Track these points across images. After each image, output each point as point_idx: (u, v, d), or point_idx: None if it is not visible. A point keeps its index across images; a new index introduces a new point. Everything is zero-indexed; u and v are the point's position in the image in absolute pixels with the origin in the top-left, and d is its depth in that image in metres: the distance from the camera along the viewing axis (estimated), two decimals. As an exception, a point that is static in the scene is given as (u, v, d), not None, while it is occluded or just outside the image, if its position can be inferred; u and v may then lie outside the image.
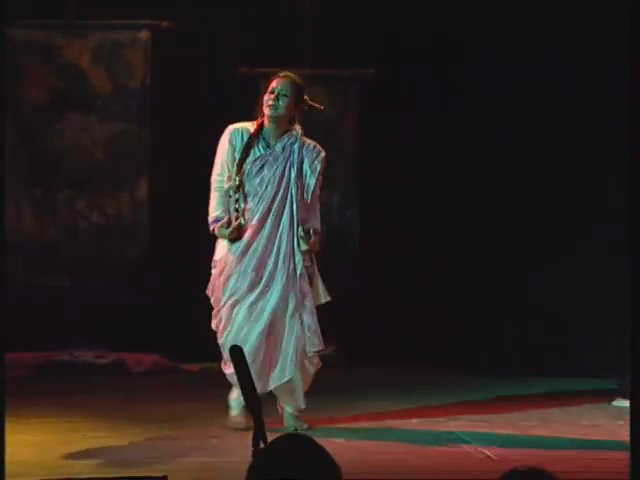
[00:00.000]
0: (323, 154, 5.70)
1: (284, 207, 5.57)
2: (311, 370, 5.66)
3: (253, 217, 5.58)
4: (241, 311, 5.58)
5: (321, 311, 8.13)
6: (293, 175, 5.58)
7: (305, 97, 5.70)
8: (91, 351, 7.94)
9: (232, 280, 5.61)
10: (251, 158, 5.59)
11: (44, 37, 8.07)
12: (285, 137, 5.63)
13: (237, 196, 5.59)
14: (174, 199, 8.09)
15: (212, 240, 8.06)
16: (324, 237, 8.39)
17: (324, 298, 5.73)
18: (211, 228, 5.76)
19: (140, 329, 7.86)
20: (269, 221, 5.57)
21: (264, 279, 5.58)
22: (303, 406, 5.64)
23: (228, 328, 5.63)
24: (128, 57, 8.11)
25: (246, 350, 5.42)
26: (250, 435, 3.02)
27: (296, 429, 5.41)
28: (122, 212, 8.20)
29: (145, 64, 8.09)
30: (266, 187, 5.57)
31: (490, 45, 7.62)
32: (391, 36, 7.98)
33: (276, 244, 5.58)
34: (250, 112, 8.18)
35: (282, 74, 5.65)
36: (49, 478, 3.98)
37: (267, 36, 7.97)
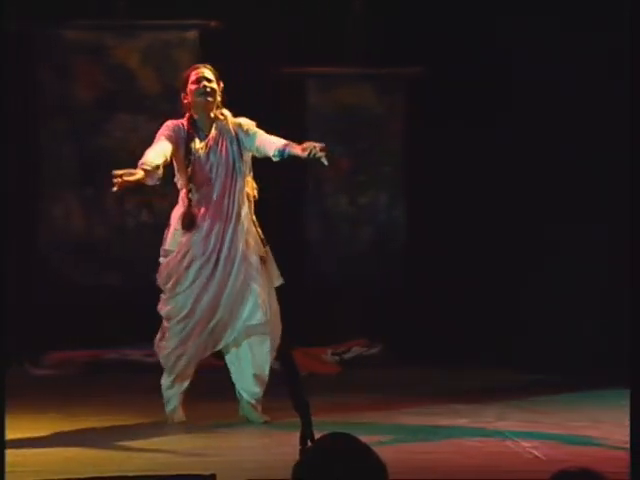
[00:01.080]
0: (249, 121, 5.94)
1: (236, 185, 5.84)
2: (264, 354, 5.85)
3: (210, 202, 5.81)
4: (204, 294, 5.79)
5: (368, 311, 8.15)
6: (236, 150, 5.83)
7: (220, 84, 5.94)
8: (140, 350, 7.98)
9: (193, 268, 5.80)
10: (195, 149, 5.81)
11: (94, 38, 8.13)
12: (217, 122, 5.86)
13: (190, 186, 5.79)
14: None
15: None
16: (371, 236, 8.43)
17: (277, 281, 5.96)
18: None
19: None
20: (225, 202, 5.81)
21: (222, 260, 5.80)
22: (258, 394, 5.84)
23: (189, 317, 5.80)
24: (176, 57, 8.15)
25: (198, 329, 5.77)
26: (294, 433, 3.03)
27: (250, 420, 5.73)
28: (170, 211, 8.23)
29: (193, 63, 8.10)
30: (217, 170, 5.81)
31: (538, 44, 7.56)
32: (439, 34, 7.94)
33: (232, 223, 5.82)
34: (295, 111, 8.22)
35: (200, 65, 5.94)
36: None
37: (314, 35, 7.97)
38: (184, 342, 5.84)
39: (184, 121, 5.86)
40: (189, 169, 5.79)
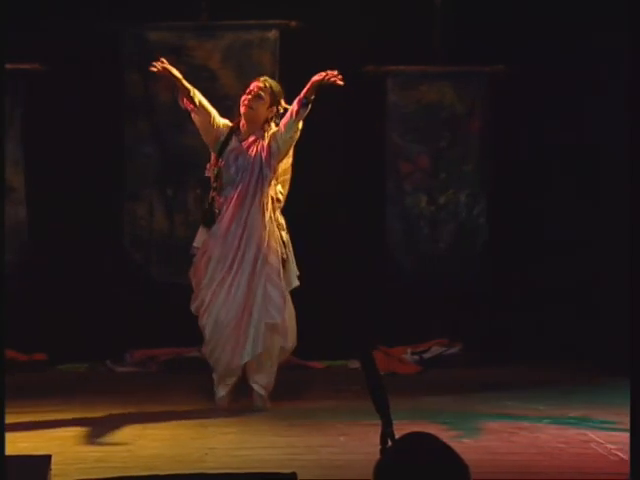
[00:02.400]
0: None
1: (257, 193, 6.06)
2: (275, 350, 6.07)
3: (230, 203, 6.05)
4: (221, 293, 6.00)
5: (448, 310, 8.11)
6: (264, 157, 6.06)
7: (281, 101, 6.18)
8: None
9: (212, 264, 6.04)
10: (228, 150, 6.09)
11: (176, 38, 8.19)
12: (258, 131, 6.13)
13: (215, 185, 6.10)
14: (299, 197, 8.12)
15: (338, 239, 8.09)
16: (451, 235, 8.37)
17: (293, 283, 6.17)
18: None
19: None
20: (244, 206, 6.04)
21: (241, 261, 6.01)
22: (269, 386, 6.09)
23: (209, 311, 6.06)
24: (257, 57, 8.18)
25: (226, 332, 5.96)
26: (374, 432, 3.01)
27: (260, 409, 5.99)
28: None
29: (273, 63, 8.15)
30: (241, 175, 6.05)
31: (621, 43, 7.45)
32: (522, 32, 7.86)
33: (250, 228, 6.03)
34: (375, 110, 8.20)
35: (262, 78, 6.22)
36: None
37: (394, 34, 7.94)
38: (214, 338, 6.06)
39: (234, 122, 6.16)
40: (216, 168, 6.07)
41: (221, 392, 6.14)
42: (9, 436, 5.49)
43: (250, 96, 6.10)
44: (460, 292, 8.11)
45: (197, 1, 8.07)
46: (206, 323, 6.09)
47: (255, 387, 6.15)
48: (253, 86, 6.13)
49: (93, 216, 7.93)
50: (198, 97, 6.10)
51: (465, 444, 5.09)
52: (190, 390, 6.96)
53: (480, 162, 8.25)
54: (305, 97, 6.02)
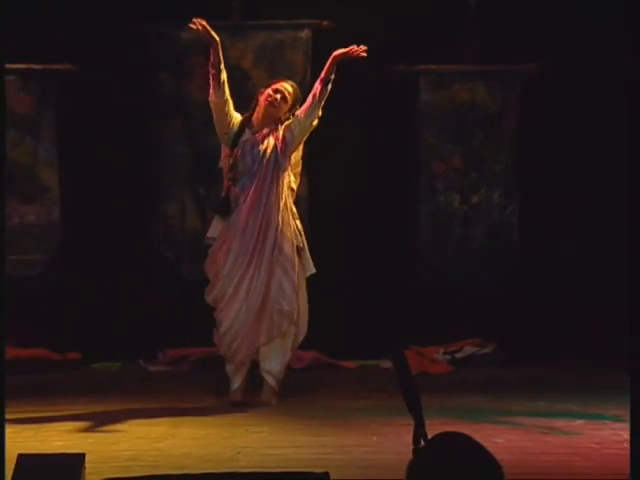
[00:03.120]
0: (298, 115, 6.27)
1: (276, 179, 6.13)
2: (289, 339, 6.18)
3: (247, 194, 6.13)
4: (242, 287, 6.08)
5: (481, 310, 8.08)
6: (279, 148, 6.15)
7: (297, 109, 6.28)
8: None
9: (232, 256, 6.10)
10: (242, 140, 6.18)
11: (208, 38, 8.19)
12: (272, 127, 6.23)
13: (230, 175, 6.18)
14: (332, 196, 8.13)
15: (370, 239, 8.08)
16: (483, 235, 8.34)
17: (309, 270, 6.24)
18: None
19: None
20: (262, 197, 6.12)
21: (260, 253, 6.09)
22: (280, 376, 6.19)
23: (230, 305, 6.12)
24: (289, 56, 8.18)
25: (247, 324, 6.05)
26: (407, 432, 3.00)
27: (266, 404, 6.11)
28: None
29: (305, 63, 8.15)
30: (258, 165, 6.13)
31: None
32: (555, 30, 7.82)
33: (267, 219, 6.11)
34: (408, 109, 8.19)
35: (291, 82, 6.36)
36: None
37: (426, 33, 7.92)
38: (233, 329, 6.12)
39: (247, 115, 6.26)
40: (231, 158, 6.15)
41: (236, 383, 6.24)
42: (44, 435, 5.56)
43: (278, 96, 6.22)
44: (493, 292, 8.09)
45: (229, 1, 8.08)
46: (225, 316, 6.15)
47: (267, 377, 6.23)
48: (282, 87, 6.24)
49: (125, 216, 7.96)
50: (224, 76, 6.21)
51: (498, 444, 5.07)
52: (222, 389, 6.97)
53: (512, 161, 8.22)
54: (326, 76, 6.14)
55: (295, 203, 6.38)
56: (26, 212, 8.21)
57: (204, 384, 7.21)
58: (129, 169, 8.02)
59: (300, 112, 6.20)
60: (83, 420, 5.89)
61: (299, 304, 6.18)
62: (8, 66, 8.14)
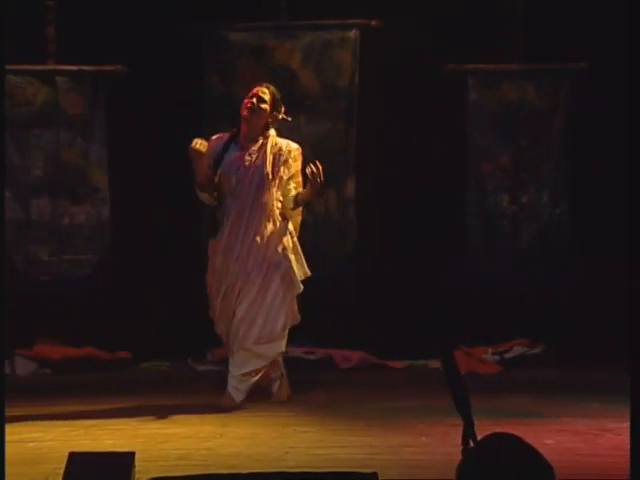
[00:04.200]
0: (293, 146, 6.18)
1: (255, 202, 6.05)
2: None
3: (231, 214, 6.06)
4: (229, 304, 6.10)
5: (531, 310, 8.03)
6: (265, 167, 6.04)
7: (281, 109, 6.20)
8: (300, 347, 8.05)
9: (216, 275, 6.12)
10: (226, 162, 6.08)
11: (257, 39, 8.23)
12: (259, 139, 6.10)
13: (215, 194, 6.11)
14: (381, 197, 8.13)
15: (419, 239, 8.07)
16: (533, 235, 8.29)
17: (297, 290, 6.18)
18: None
19: (347, 325, 7.93)
20: (243, 217, 6.04)
21: (242, 274, 6.05)
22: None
23: (220, 321, 6.19)
24: (337, 56, 8.18)
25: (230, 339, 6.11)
26: (455, 433, 2.99)
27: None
28: (329, 210, 8.29)
29: (353, 63, 8.16)
30: (242, 185, 6.04)
31: None
32: (604, 28, 7.76)
33: (249, 239, 6.03)
34: (457, 109, 8.16)
35: (264, 84, 6.23)
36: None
37: (475, 32, 7.90)
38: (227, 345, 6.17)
39: (234, 131, 6.18)
40: (216, 178, 6.09)
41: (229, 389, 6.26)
42: (95, 433, 5.60)
43: (254, 99, 6.12)
44: (542, 292, 8.04)
45: (277, 1, 8.10)
46: (220, 332, 6.26)
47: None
48: (257, 91, 6.16)
49: (174, 215, 8.00)
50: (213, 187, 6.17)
51: (548, 445, 5.04)
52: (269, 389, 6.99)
53: (562, 161, 8.17)
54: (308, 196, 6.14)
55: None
56: (76, 212, 8.29)
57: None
58: (178, 169, 8.05)
59: (286, 192, 6.12)
60: (133, 419, 5.93)
61: (270, 318, 6.13)
62: (60, 67, 8.26)
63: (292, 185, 6.15)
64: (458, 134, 8.14)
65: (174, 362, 7.96)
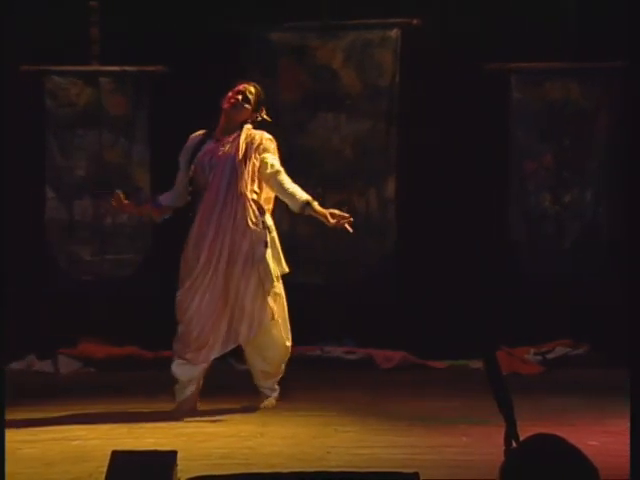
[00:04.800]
0: (266, 136, 6.10)
1: (228, 192, 5.94)
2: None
3: (207, 205, 5.97)
4: (196, 296, 5.97)
5: (574, 310, 7.97)
6: (237, 156, 5.97)
7: (262, 111, 6.17)
8: (341, 347, 8.06)
9: (186, 268, 6.02)
10: (201, 152, 6.06)
11: (298, 39, 8.24)
12: (235, 132, 6.08)
13: (190, 188, 6.06)
14: (421, 197, 8.11)
15: (460, 239, 8.04)
16: (576, 235, 8.24)
17: (280, 271, 6.09)
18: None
19: (388, 325, 7.93)
20: (216, 208, 5.94)
21: (218, 263, 5.94)
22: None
23: (183, 312, 6.04)
24: (378, 56, 8.18)
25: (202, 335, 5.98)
26: (497, 433, 2.98)
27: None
28: (369, 210, 8.28)
29: (395, 62, 8.15)
30: (213, 174, 5.97)
31: None
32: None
33: (223, 230, 5.93)
34: (499, 108, 8.12)
35: (252, 83, 6.20)
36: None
37: (517, 30, 7.86)
38: (189, 337, 6.06)
39: (206, 131, 6.15)
40: (190, 172, 6.04)
41: (185, 392, 6.16)
42: (137, 432, 5.63)
43: (240, 97, 6.09)
44: (585, 291, 7.99)
45: (319, 1, 8.10)
46: (180, 321, 6.09)
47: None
48: (243, 88, 6.12)
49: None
50: (171, 205, 6.19)
51: (592, 446, 5.00)
52: (311, 388, 7.00)
53: (605, 160, 8.11)
54: (310, 210, 6.00)
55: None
56: (119, 212, 8.33)
57: (294, 383, 7.24)
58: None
59: (273, 179, 6.00)
60: (175, 418, 5.96)
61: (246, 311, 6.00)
62: (103, 68, 8.31)
63: (267, 155, 6.03)
64: (500, 133, 8.10)
65: (215, 361, 7.97)
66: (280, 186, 6.01)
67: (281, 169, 6.06)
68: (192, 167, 6.06)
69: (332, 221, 5.93)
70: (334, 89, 8.24)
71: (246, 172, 5.98)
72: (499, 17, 7.84)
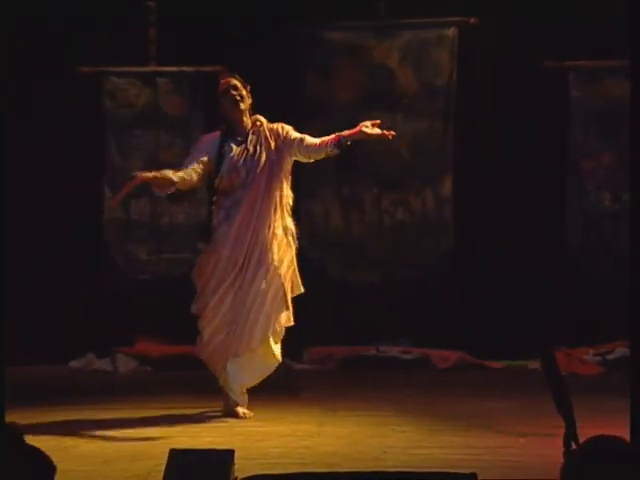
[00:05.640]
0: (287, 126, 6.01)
1: (266, 193, 5.88)
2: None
3: (242, 206, 5.86)
4: (227, 297, 5.88)
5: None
6: (273, 156, 5.89)
7: (248, 87, 6.05)
8: (397, 347, 8.04)
9: (220, 266, 5.89)
10: (230, 155, 5.92)
11: (354, 38, 8.23)
12: (254, 128, 5.97)
13: (214, 198, 5.96)
14: (478, 196, 8.07)
15: (517, 238, 7.98)
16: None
17: (298, 290, 6.03)
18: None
19: (445, 325, 7.89)
20: (255, 209, 5.86)
21: (247, 266, 5.87)
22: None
23: (214, 314, 5.92)
24: (435, 55, 8.14)
25: (222, 335, 5.86)
26: (555, 434, 2.96)
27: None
28: (426, 209, 8.26)
29: (451, 61, 8.11)
30: (252, 176, 5.88)
31: None
32: None
33: (257, 231, 5.87)
34: (558, 106, 8.06)
35: (227, 75, 6.08)
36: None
37: (575, 27, 7.79)
38: (215, 339, 5.95)
39: (220, 130, 6.00)
40: (219, 176, 5.89)
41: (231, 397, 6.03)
42: (194, 430, 5.66)
43: (236, 92, 5.96)
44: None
45: (375, 0, 8.09)
46: (207, 325, 5.96)
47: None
48: (232, 83, 5.98)
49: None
50: (178, 175, 5.93)
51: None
52: (367, 388, 6.99)
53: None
54: (346, 138, 5.84)
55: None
56: (175, 212, 8.38)
57: (348, 383, 7.23)
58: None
59: (306, 143, 5.88)
60: (231, 417, 5.98)
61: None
62: (161, 68, 8.36)
63: (286, 128, 5.97)
64: (557, 131, 8.04)
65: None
66: (311, 145, 5.90)
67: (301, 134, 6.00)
68: (221, 169, 5.92)
69: (369, 131, 5.81)
70: (390, 89, 8.22)
71: (282, 174, 5.94)
72: (557, 15, 7.78)
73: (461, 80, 8.09)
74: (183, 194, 6.25)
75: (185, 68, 8.27)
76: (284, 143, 5.94)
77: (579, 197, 8.10)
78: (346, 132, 5.86)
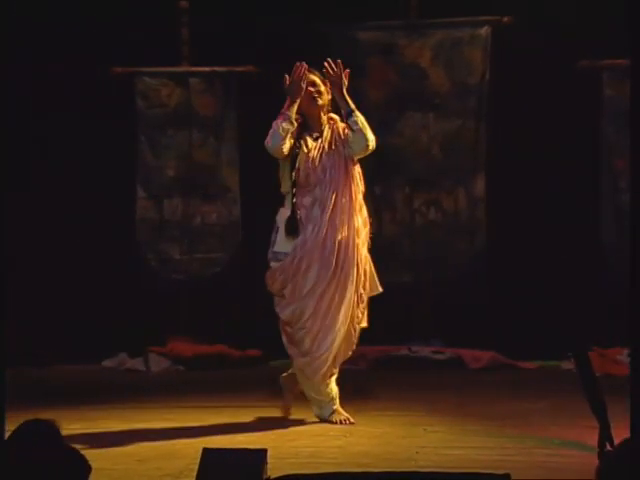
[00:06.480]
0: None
1: (346, 190, 5.78)
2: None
3: (325, 204, 5.74)
4: (323, 303, 5.72)
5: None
6: (348, 153, 5.82)
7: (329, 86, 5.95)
8: (429, 347, 8.02)
9: (313, 272, 5.72)
10: (308, 149, 5.83)
11: (386, 37, 8.22)
12: (329, 124, 5.91)
13: (294, 190, 5.79)
14: (511, 196, 8.04)
15: (550, 238, 7.95)
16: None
17: (377, 289, 5.89)
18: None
19: (477, 325, 7.87)
20: (339, 205, 5.74)
21: (343, 268, 5.73)
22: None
23: (311, 319, 5.74)
24: (467, 54, 8.12)
25: (328, 340, 5.71)
26: (589, 435, 2.94)
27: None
28: (458, 209, 8.23)
29: (484, 60, 8.08)
30: (332, 172, 5.79)
31: None
32: None
33: (346, 231, 5.74)
34: (590, 105, 8.01)
35: (314, 71, 5.95)
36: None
37: (608, 27, 7.75)
38: (315, 347, 5.77)
39: (298, 123, 5.87)
40: (295, 171, 5.80)
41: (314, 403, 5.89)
42: (226, 429, 5.66)
43: (314, 88, 5.88)
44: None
45: (407, 0, 8.08)
46: (307, 334, 5.77)
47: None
48: (310, 79, 5.89)
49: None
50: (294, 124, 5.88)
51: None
52: (399, 388, 6.98)
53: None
54: (344, 109, 5.85)
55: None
56: (208, 211, 8.41)
57: (380, 383, 7.22)
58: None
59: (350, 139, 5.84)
60: (264, 416, 5.99)
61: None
62: (193, 69, 8.39)
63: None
64: (590, 130, 8.00)
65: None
66: (358, 136, 5.87)
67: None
68: (297, 164, 5.82)
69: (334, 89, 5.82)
70: (422, 88, 8.20)
71: (355, 167, 5.90)
72: (590, 13, 7.73)
73: (494, 79, 8.07)
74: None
75: (217, 68, 8.29)
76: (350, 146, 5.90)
77: (613, 196, 8.05)
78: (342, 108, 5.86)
